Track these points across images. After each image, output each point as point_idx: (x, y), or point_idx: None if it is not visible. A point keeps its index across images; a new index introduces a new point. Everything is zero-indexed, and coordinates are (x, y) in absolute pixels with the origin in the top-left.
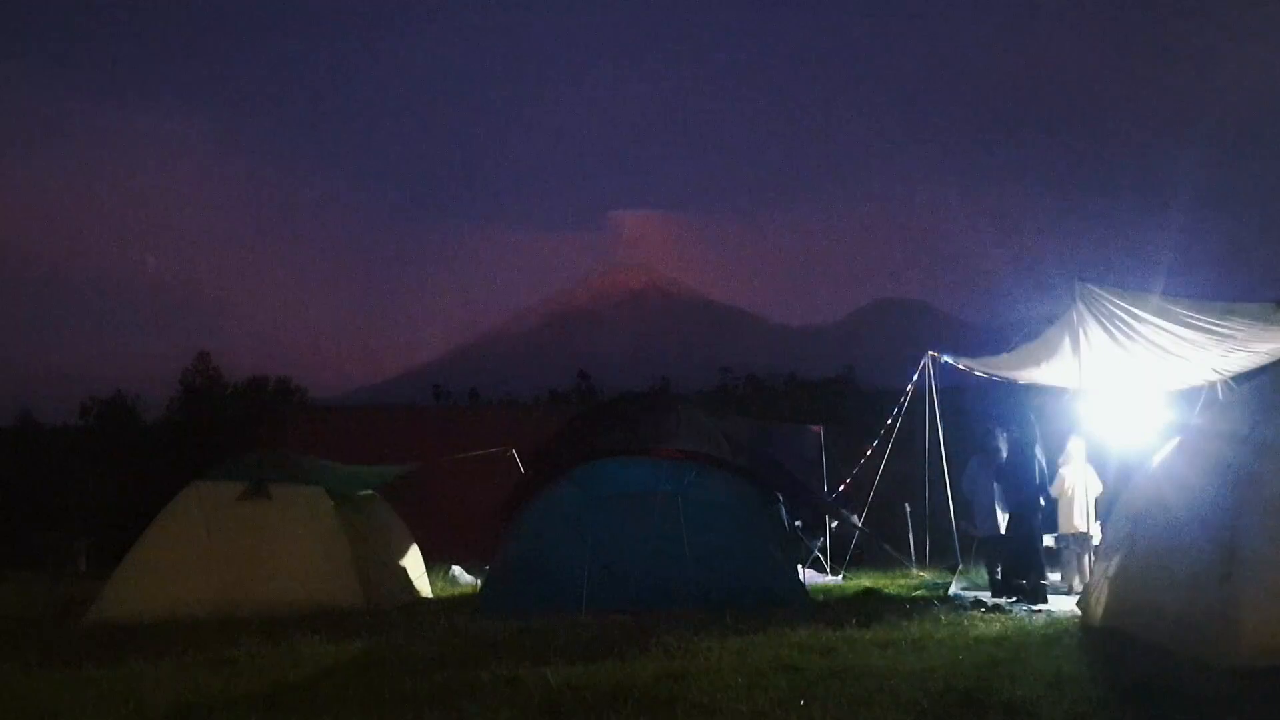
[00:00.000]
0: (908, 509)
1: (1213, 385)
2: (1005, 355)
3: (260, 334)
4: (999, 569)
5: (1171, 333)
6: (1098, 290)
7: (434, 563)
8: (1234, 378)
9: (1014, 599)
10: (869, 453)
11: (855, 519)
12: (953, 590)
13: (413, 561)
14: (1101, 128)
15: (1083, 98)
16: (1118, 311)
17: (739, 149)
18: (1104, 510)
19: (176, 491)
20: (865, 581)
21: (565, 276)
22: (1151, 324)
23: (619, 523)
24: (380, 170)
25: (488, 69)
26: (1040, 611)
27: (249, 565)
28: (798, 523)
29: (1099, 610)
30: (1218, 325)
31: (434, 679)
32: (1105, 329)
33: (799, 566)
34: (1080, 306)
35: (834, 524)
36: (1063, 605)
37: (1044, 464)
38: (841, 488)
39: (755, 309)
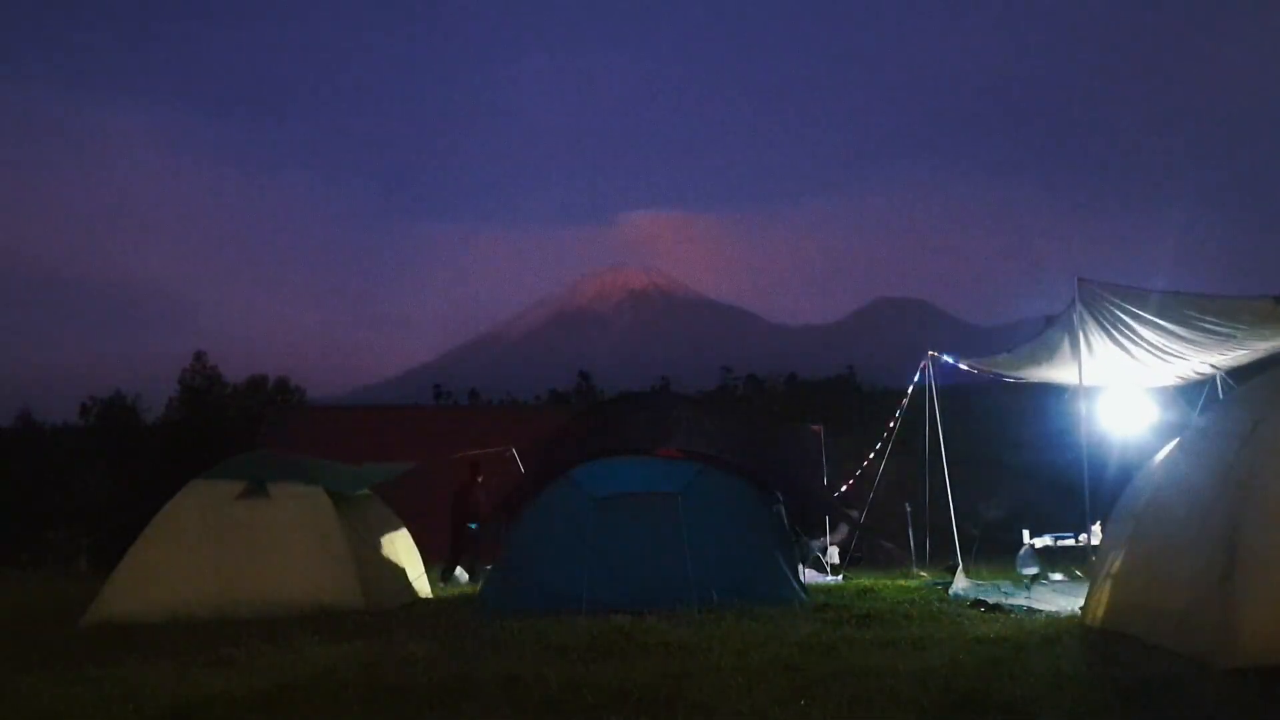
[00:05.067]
0: (908, 509)
1: (1210, 380)
2: (1006, 355)
3: (260, 334)
4: None
5: (1171, 331)
6: (1098, 288)
7: (434, 563)
8: (1232, 373)
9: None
10: (870, 453)
11: (856, 516)
12: (953, 590)
13: (412, 561)
14: (1101, 128)
15: (1082, 98)
16: (1118, 311)
17: (739, 149)
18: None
19: (176, 491)
20: (865, 581)
21: (566, 276)
22: (1151, 323)
23: (619, 523)
24: (380, 169)
25: (489, 68)
26: (1040, 611)
27: (248, 565)
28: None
29: (1099, 610)
30: (1218, 324)
31: (434, 679)
32: (1105, 329)
33: (799, 566)
34: (1080, 305)
35: (840, 528)
36: (1064, 605)
37: None
38: (843, 488)
39: (755, 309)
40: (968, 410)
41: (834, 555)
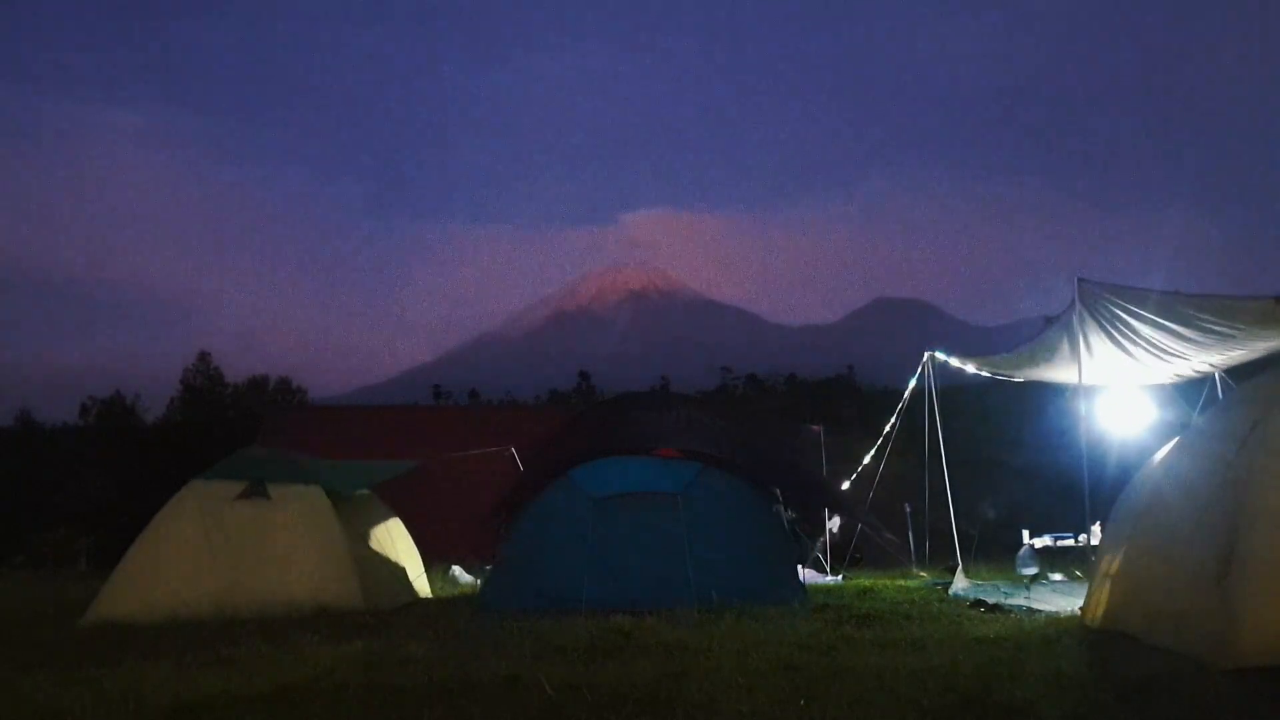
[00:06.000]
0: (908, 509)
1: (1210, 379)
2: (1005, 355)
3: (260, 334)
4: None
5: (1172, 331)
6: (1098, 288)
7: (434, 563)
8: (1232, 372)
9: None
10: (870, 453)
11: (861, 507)
12: (953, 590)
13: (412, 561)
14: (1101, 128)
15: (1082, 97)
16: (1118, 311)
17: (739, 149)
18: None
19: (176, 491)
20: (865, 581)
21: (565, 276)
22: (1151, 322)
23: (619, 522)
24: (380, 169)
25: (490, 67)
26: (1040, 611)
27: (248, 565)
28: (792, 516)
29: (1099, 610)
30: (1218, 324)
31: (434, 679)
32: (1105, 329)
33: (799, 566)
34: (1080, 305)
35: (838, 519)
36: (1063, 605)
37: None
38: (843, 488)
39: (755, 309)
40: (968, 410)
41: (827, 534)
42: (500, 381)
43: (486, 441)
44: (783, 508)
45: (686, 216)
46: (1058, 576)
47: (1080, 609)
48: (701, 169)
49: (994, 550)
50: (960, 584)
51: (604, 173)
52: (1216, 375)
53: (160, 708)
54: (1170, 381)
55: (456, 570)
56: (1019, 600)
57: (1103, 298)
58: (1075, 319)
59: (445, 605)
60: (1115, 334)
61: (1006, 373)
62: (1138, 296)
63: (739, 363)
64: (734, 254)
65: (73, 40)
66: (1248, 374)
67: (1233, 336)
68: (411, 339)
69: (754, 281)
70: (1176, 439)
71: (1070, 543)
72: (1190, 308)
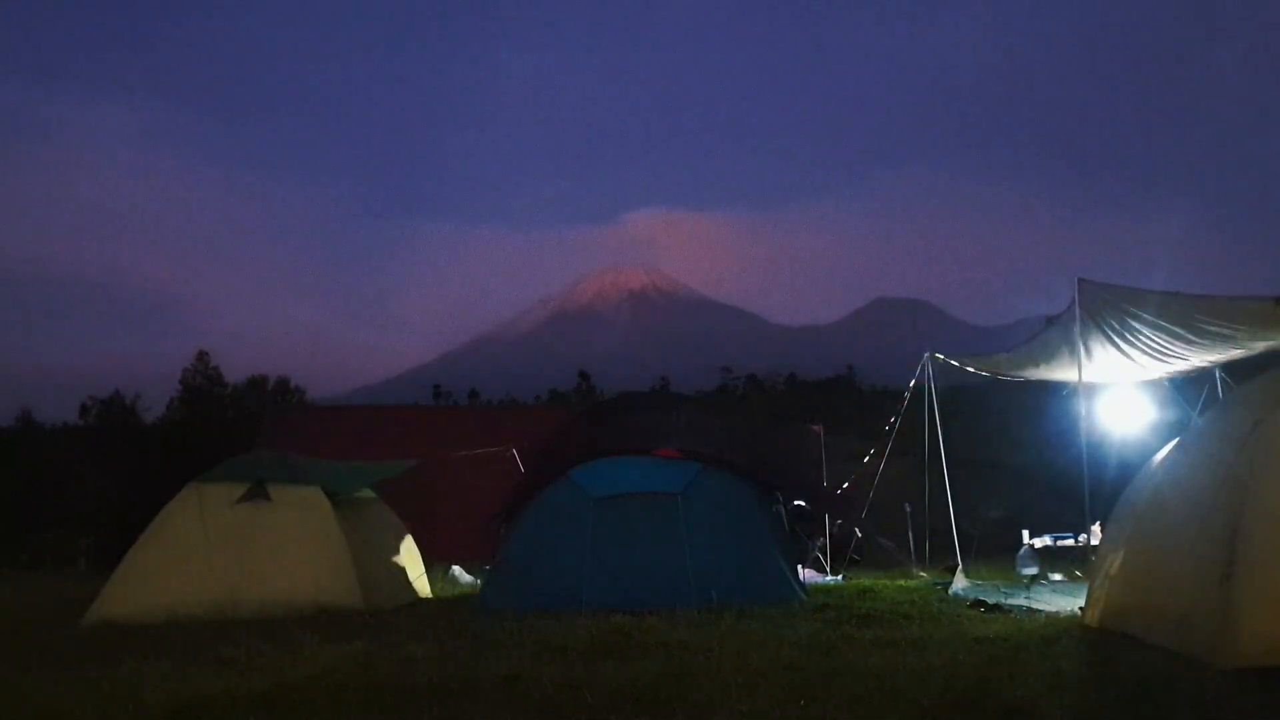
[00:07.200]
0: (908, 509)
1: (1210, 379)
2: (1005, 355)
3: (260, 334)
4: None
5: (1172, 331)
6: (1098, 288)
7: (434, 563)
8: (1232, 372)
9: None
10: (869, 453)
11: (858, 513)
12: (953, 590)
13: (412, 561)
14: (1101, 128)
15: (1082, 98)
16: (1118, 311)
17: (739, 149)
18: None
19: (176, 491)
20: (865, 581)
21: (565, 276)
22: (1151, 324)
23: (619, 522)
24: (380, 169)
25: (490, 66)
26: (1040, 611)
27: (248, 566)
28: (797, 505)
29: (1099, 610)
30: (1218, 325)
31: (434, 679)
32: (1104, 329)
33: (799, 566)
34: (1080, 306)
35: (837, 522)
36: (1063, 605)
37: None
38: (842, 488)
39: (755, 309)
40: (967, 410)
41: (827, 533)
42: (500, 381)
43: (486, 441)
44: (783, 508)
45: (687, 216)
46: (1058, 576)
47: (1080, 609)
48: (702, 169)
49: (994, 550)
50: (960, 584)
51: (604, 172)
52: (1217, 375)
53: (160, 708)
54: (1169, 376)
55: (456, 570)
56: (1019, 600)
57: (1103, 298)
58: (1075, 319)
59: (445, 605)
60: (1114, 335)
61: (1006, 373)
62: (1137, 297)
63: (739, 363)
64: (734, 254)
65: (69, 39)
66: (1248, 374)
67: (1232, 338)
68: (411, 339)
69: (754, 281)
70: (1177, 439)
71: (1070, 543)
72: (1190, 309)
